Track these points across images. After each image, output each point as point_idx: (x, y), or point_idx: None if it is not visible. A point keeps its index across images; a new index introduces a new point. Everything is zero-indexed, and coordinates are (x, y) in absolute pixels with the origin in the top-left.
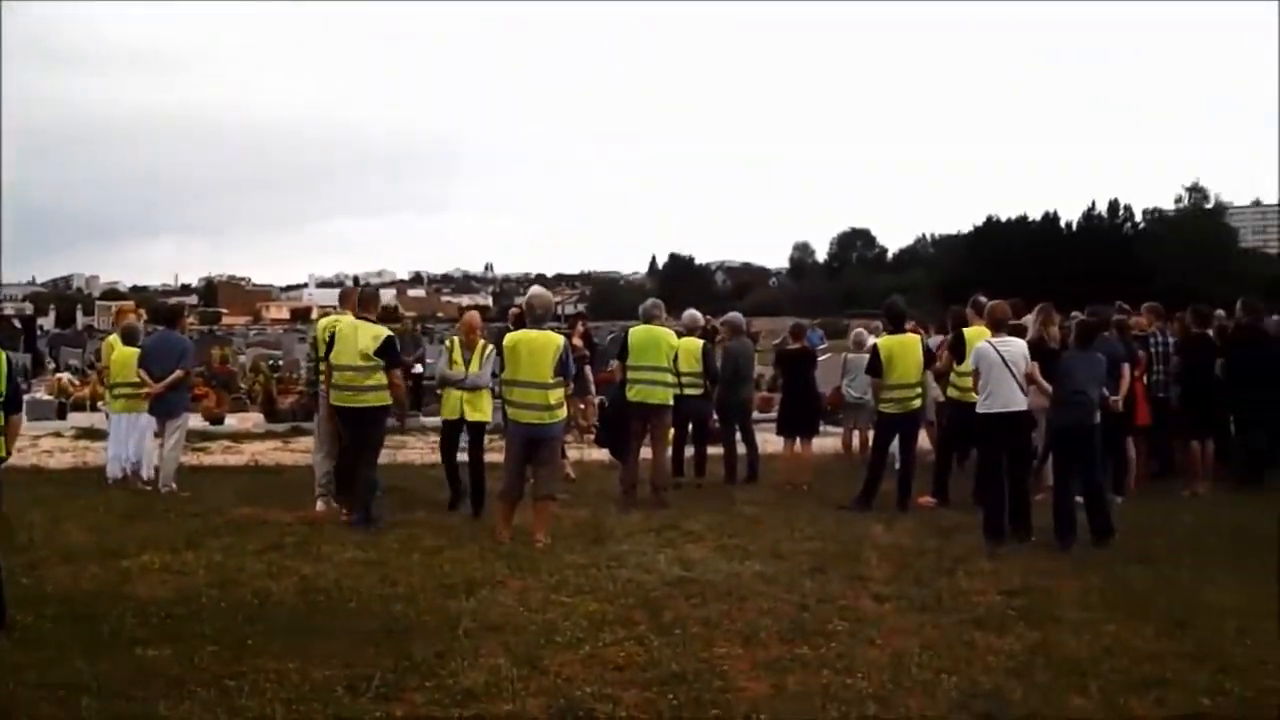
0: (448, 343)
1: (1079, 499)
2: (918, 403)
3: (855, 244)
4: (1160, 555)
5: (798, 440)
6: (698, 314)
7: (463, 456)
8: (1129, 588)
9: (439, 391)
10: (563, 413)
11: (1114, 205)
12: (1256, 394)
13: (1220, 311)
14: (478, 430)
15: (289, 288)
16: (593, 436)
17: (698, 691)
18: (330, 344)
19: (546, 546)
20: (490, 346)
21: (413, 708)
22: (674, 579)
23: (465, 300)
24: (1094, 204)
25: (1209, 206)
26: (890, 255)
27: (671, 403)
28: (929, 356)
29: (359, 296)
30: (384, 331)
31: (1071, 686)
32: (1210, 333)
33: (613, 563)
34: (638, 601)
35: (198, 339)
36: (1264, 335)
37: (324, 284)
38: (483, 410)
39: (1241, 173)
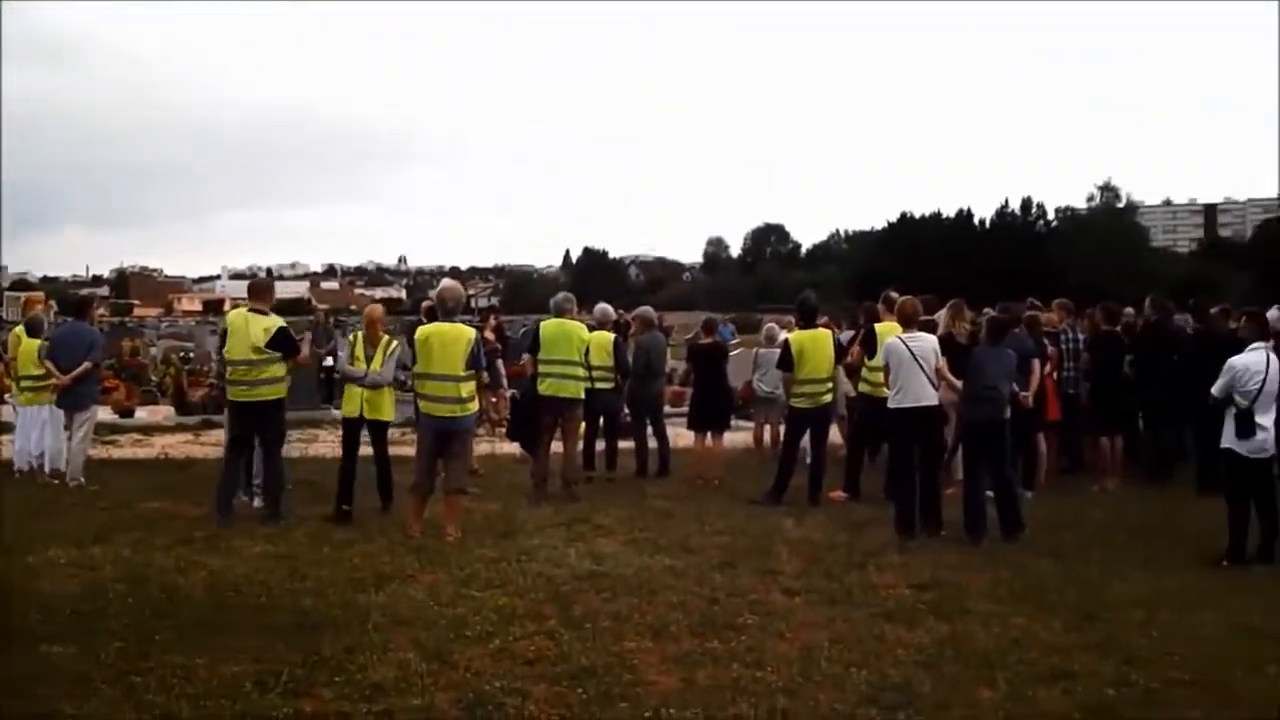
0: (351, 337)
1: (989, 494)
2: (829, 397)
3: (769, 239)
4: (1069, 549)
5: (709, 435)
6: (609, 308)
7: (367, 450)
8: (1038, 581)
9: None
10: (474, 405)
11: (1027, 203)
12: (1164, 391)
13: (1129, 309)
14: (379, 429)
15: (201, 279)
16: (504, 430)
17: (607, 685)
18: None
19: (457, 540)
20: (395, 343)
21: (321, 703)
22: (584, 573)
23: (379, 293)
24: (1007, 201)
25: (1120, 205)
26: (804, 251)
27: (583, 396)
28: (840, 351)
29: (250, 287)
30: (276, 323)
31: (980, 679)
32: (1119, 330)
33: (523, 556)
34: (548, 595)
35: (108, 330)
36: (1172, 333)
37: (237, 276)
38: (383, 409)
39: (1153, 172)
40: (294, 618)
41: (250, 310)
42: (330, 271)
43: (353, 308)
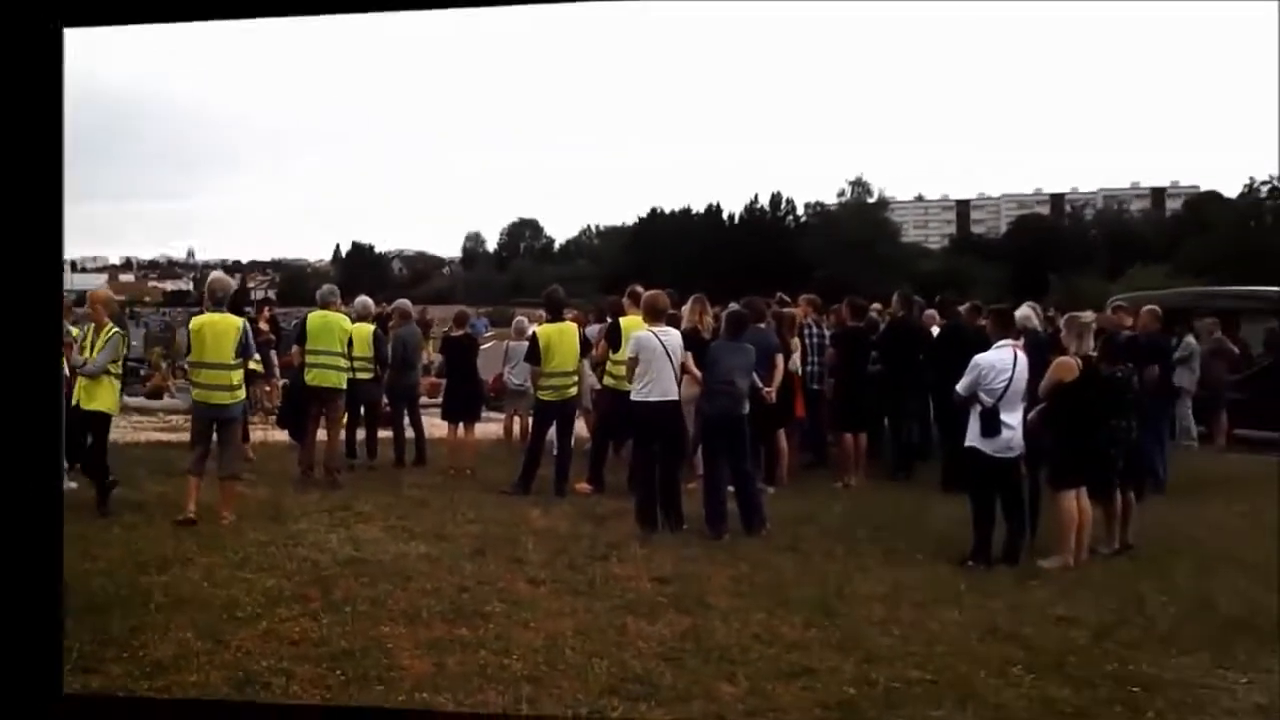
0: (87, 328)
1: (730, 488)
2: (574, 390)
3: (524, 234)
4: (811, 545)
5: (461, 425)
6: (369, 300)
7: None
8: (779, 576)
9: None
10: (243, 393)
11: (776, 198)
12: (908, 388)
13: (877, 305)
14: (97, 422)
15: None
16: (275, 418)
17: (365, 668)
18: None
19: (232, 524)
20: (114, 330)
21: (110, 680)
22: (345, 558)
23: (170, 286)
24: (756, 197)
25: (872, 201)
26: (557, 246)
27: (344, 386)
28: (586, 345)
29: None
30: None
31: (721, 673)
32: (864, 325)
33: (290, 541)
34: (312, 579)
35: None
36: (917, 329)
37: None
38: (101, 399)
39: (905, 169)
40: (85, 598)
41: None
42: (127, 264)
43: (146, 299)
